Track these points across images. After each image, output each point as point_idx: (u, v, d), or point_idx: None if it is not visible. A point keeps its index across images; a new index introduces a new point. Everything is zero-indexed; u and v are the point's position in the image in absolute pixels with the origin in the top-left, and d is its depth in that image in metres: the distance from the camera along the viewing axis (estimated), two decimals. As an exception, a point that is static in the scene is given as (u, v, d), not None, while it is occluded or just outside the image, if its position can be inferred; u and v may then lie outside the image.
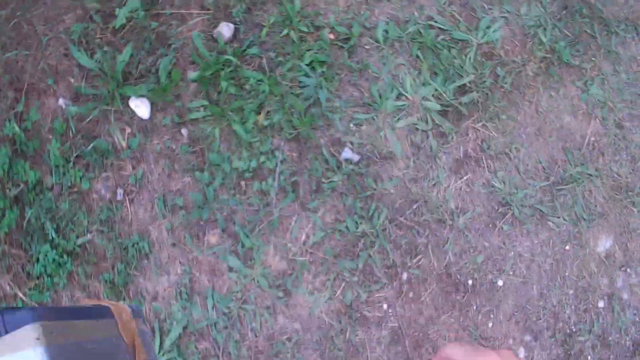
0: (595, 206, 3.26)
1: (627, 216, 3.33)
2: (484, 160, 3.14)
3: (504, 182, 3.13)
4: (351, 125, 3.06)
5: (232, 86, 2.99)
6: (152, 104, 2.99)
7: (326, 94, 3.03)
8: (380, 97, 3.10)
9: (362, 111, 3.09)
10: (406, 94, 3.09)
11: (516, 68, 3.36)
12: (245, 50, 3.07)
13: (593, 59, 3.62)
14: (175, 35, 3.07)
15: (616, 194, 3.31)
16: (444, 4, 3.39)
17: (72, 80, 3.03)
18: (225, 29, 3.08)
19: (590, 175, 3.33)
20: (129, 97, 2.97)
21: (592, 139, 3.40)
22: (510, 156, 3.17)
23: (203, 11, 3.13)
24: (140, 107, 2.97)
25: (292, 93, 3.04)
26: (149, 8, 3.09)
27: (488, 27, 3.35)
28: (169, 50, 3.03)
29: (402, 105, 3.10)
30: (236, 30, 3.10)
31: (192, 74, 3.00)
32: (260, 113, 2.99)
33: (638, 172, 3.41)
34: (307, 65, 3.06)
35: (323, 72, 3.07)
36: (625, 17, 3.88)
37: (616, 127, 3.52)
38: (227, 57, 3.01)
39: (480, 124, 3.17)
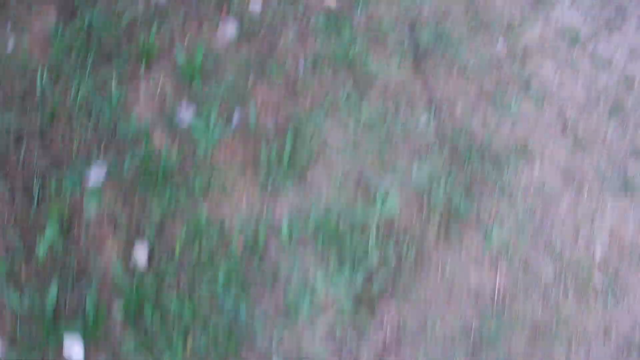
0: (518, 356, 3.43)
1: (550, 355, 3.53)
2: (403, 343, 3.32)
3: (426, 357, 3.27)
4: (274, 335, 3.23)
5: (157, 314, 3.08)
6: (85, 344, 3.06)
7: (245, 310, 3.16)
8: (296, 304, 3.28)
9: (281, 321, 3.28)
10: (319, 294, 3.23)
11: (417, 238, 3.55)
12: (163, 274, 3.16)
13: (489, 202, 3.80)
14: (95, 267, 3.19)
15: (536, 337, 3.51)
16: (339, 183, 3.55)
17: (5, 324, 3.08)
18: (141, 253, 3.19)
19: (507, 327, 3.50)
20: (62, 339, 3.04)
21: (502, 287, 3.59)
22: (427, 331, 3.37)
23: (117, 235, 3.20)
24: (74, 349, 3.04)
25: (213, 313, 3.17)
26: (66, 238, 3.15)
27: (383, 202, 3.50)
28: (91, 284, 3.11)
29: (318, 307, 3.29)
30: (151, 252, 3.21)
31: (117, 306, 3.08)
32: (187, 339, 3.07)
33: (551, 307, 3.64)
34: (222, 284, 3.15)
35: (238, 287, 3.21)
36: (514, 144, 4.08)
37: (522, 267, 3.74)
38: (147, 284, 3.16)
39: (393, 307, 3.38)
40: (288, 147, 3.69)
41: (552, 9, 5.25)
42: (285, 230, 3.44)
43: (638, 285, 4.00)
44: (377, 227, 3.59)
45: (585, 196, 4.23)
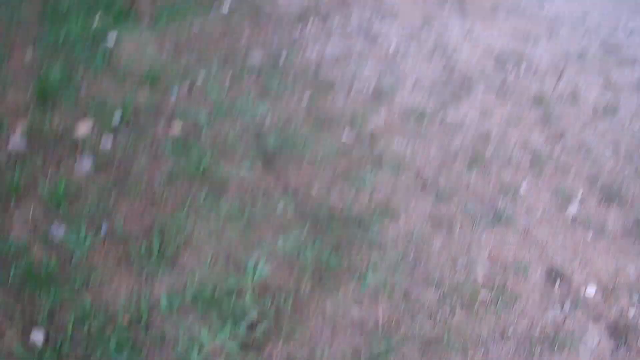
0: None
1: (445, 358, 4.03)
2: None
3: None
4: None
5: None
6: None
7: None
8: (185, 355, 3.75)
9: None
10: (206, 346, 3.82)
11: (292, 291, 4.09)
12: (59, 350, 3.73)
13: (359, 254, 4.43)
14: None
15: (428, 349, 4.01)
16: (210, 263, 4.26)
17: None
18: (37, 336, 3.85)
19: (397, 344, 4.02)
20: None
21: (386, 317, 4.12)
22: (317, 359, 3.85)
23: (14, 325, 3.89)
24: None
25: None
26: None
27: (254, 269, 4.17)
28: None
29: (206, 356, 3.77)
30: (46, 334, 3.79)
31: None
32: (87, 402, 3.59)
33: (440, 323, 4.15)
34: (114, 349, 3.78)
35: (129, 350, 3.74)
36: (375, 207, 4.78)
37: (404, 297, 4.24)
38: (47, 358, 3.67)
39: (279, 346, 3.84)
40: (156, 244, 4.23)
41: (392, 98, 6.16)
42: (164, 303, 3.91)
43: (529, 292, 4.59)
44: (252, 290, 4.10)
45: (457, 234, 4.88)
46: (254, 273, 4.27)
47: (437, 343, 4.18)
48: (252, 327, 4.03)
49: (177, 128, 5.28)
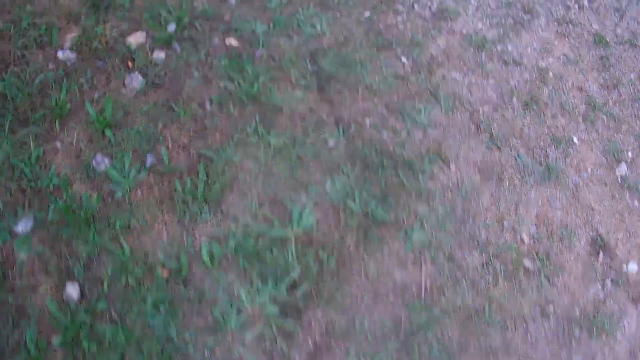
0: (452, 343, 3.51)
1: (485, 338, 3.59)
2: (333, 344, 3.45)
3: (358, 357, 3.48)
4: (206, 351, 3.37)
5: (93, 344, 3.34)
6: (29, 378, 3.44)
7: (175, 329, 3.41)
8: (224, 318, 3.32)
9: (211, 335, 3.33)
10: (245, 308, 3.62)
11: (337, 246, 3.65)
12: (94, 306, 3.54)
13: (407, 206, 4.01)
14: (32, 306, 3.37)
15: (469, 324, 3.64)
16: (255, 208, 3.95)
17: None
18: (72, 290, 3.49)
19: (438, 317, 3.63)
20: (6, 377, 3.56)
21: (428, 283, 3.69)
22: (356, 330, 3.43)
23: (49, 277, 3.71)
24: (19, 384, 3.45)
25: (145, 336, 3.35)
26: (2, 285, 3.50)
27: (300, 216, 3.83)
28: (30, 322, 3.49)
29: (245, 320, 3.40)
30: (82, 288, 3.62)
31: (56, 340, 3.52)
32: (123, 362, 3.50)
33: (482, 294, 3.69)
34: (151, 308, 3.63)
35: (167, 310, 3.42)
36: (427, 150, 4.49)
37: (448, 261, 3.78)
38: (80, 317, 3.23)
39: (319, 312, 3.46)
40: (201, 181, 3.84)
41: (454, 21, 5.50)
42: (205, 254, 3.56)
43: (573, 264, 4.07)
44: (296, 241, 3.74)
45: (507, 188, 4.46)
46: (299, 221, 3.84)
47: (477, 316, 3.81)
48: (293, 288, 3.65)
49: (232, 42, 4.61)
